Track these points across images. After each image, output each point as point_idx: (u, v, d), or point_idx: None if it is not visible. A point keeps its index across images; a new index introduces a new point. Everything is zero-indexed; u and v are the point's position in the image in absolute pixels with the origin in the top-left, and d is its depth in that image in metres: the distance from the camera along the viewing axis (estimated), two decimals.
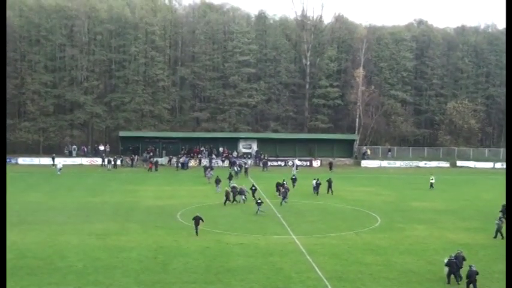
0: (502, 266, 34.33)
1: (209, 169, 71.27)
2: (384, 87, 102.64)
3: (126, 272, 31.97)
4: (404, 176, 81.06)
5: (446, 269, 31.56)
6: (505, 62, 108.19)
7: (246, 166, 77.72)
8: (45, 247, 36.67)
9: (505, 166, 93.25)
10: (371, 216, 49.66)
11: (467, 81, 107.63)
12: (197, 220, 41.29)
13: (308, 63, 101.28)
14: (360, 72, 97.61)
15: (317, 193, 60.43)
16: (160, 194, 58.99)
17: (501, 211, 46.69)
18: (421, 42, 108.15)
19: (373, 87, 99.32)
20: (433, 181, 67.23)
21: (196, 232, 40.75)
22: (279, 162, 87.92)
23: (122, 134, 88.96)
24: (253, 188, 56.82)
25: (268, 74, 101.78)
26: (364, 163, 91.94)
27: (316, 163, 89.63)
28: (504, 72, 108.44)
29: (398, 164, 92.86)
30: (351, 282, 31.08)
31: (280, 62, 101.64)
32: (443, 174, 79.22)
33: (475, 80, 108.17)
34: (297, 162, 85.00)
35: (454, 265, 31.14)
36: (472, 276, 29.62)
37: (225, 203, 53.27)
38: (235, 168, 75.51)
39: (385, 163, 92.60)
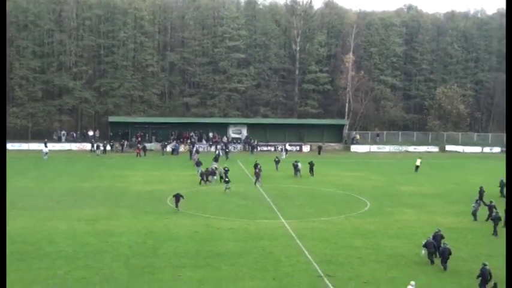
0: (489, 250, 34.74)
1: (195, 152, 72.48)
2: (374, 72, 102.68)
3: (116, 256, 32.02)
4: (394, 160, 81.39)
5: (424, 250, 32.14)
6: (494, 47, 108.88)
7: (226, 150, 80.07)
8: (34, 232, 36.63)
9: (493, 150, 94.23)
10: (360, 200, 49.89)
11: (457, 67, 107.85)
12: (177, 197, 43.73)
13: (298, 48, 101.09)
14: (350, 57, 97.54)
15: (299, 175, 61.68)
16: (149, 179, 58.94)
17: (479, 192, 47.60)
18: (411, 27, 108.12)
19: (362, 72, 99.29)
20: (418, 164, 67.54)
21: (177, 206, 43.32)
22: (269, 147, 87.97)
23: (111, 119, 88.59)
24: (226, 169, 57.93)
25: (258, 59, 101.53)
26: (354, 148, 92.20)
27: (306, 148, 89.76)
28: (493, 57, 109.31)
29: (387, 148, 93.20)
30: (340, 265, 31.29)
31: (270, 48, 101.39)
32: (432, 159, 79.60)
33: (464, 65, 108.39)
34: (287, 147, 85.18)
35: (432, 245, 31.81)
36: (445, 253, 30.61)
37: (200, 182, 55.68)
38: (218, 152, 76.19)
39: (374, 148, 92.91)
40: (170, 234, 37.13)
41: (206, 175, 56.95)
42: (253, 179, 57.86)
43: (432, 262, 31.65)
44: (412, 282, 25.13)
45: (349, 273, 29.96)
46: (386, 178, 63.38)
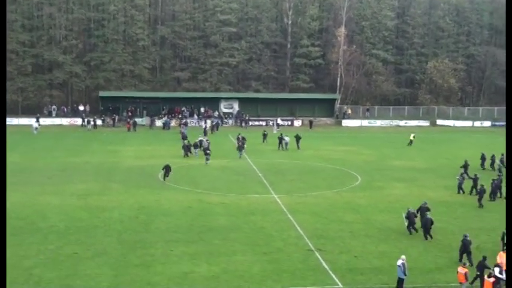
0: (479, 223, 35.11)
1: (182, 125, 74.13)
2: (365, 46, 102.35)
3: (108, 231, 32.13)
4: (385, 135, 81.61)
5: (406, 222, 32.96)
6: (485, 21, 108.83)
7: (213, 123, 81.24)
8: (26, 207, 36.68)
9: (484, 124, 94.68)
10: (351, 175, 50.12)
11: (448, 40, 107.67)
12: (167, 169, 45.69)
13: (289, 22, 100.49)
14: (342, 31, 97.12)
15: (286, 148, 62.79)
16: (141, 154, 58.92)
17: (463, 167, 48.51)
18: (403, 0, 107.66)
19: (354, 46, 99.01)
20: (412, 138, 68.06)
21: (164, 179, 45.28)
22: (261, 122, 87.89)
23: (102, 94, 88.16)
24: (208, 141, 59.51)
25: (250, 33, 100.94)
26: (345, 122, 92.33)
27: (297, 122, 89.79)
28: (484, 31, 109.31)
29: (378, 123, 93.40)
30: (331, 239, 31.54)
31: (262, 21, 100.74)
32: (423, 133, 79.85)
33: (455, 39, 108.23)
34: (279, 121, 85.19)
35: (413, 216, 32.74)
36: (427, 224, 31.58)
37: (184, 155, 56.96)
38: (204, 126, 77.24)
39: (365, 122, 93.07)
40: (162, 209, 37.26)
41: (188, 147, 57.96)
42: (238, 153, 58.34)
43: (411, 232, 32.63)
44: (403, 257, 25.37)
45: (339, 248, 30.23)
46: (377, 152, 63.61)
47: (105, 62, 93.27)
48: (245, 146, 59.61)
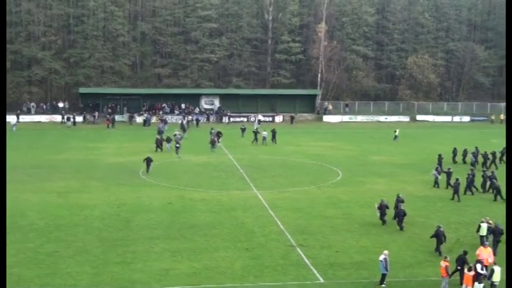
0: (458, 217, 35.46)
1: (160, 121, 74.91)
2: (346, 42, 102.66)
3: (88, 229, 31.95)
4: (365, 130, 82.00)
5: (378, 212, 33.88)
6: (464, 16, 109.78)
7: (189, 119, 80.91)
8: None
9: (463, 119, 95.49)
10: (332, 170, 50.31)
11: (427, 36, 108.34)
12: (148, 161, 47.21)
13: (270, 18, 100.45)
14: (322, 27, 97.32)
15: (264, 143, 64.02)
16: (121, 151, 58.63)
17: (438, 160, 49.54)
18: None
19: (335, 42, 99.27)
20: (397, 134, 68.73)
21: (147, 171, 46.71)
22: (242, 118, 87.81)
23: (81, 90, 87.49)
24: (179, 135, 60.36)
25: (230, 29, 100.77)
26: (326, 118, 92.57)
27: (278, 118, 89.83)
28: (464, 27, 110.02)
29: (359, 118, 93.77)
30: (313, 235, 31.65)
31: (242, 17, 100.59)
32: (403, 128, 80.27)
33: (435, 34, 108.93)
34: (260, 117, 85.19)
35: (384, 208, 33.64)
36: (399, 216, 32.63)
37: (156, 150, 57.66)
38: (181, 121, 77.31)
39: (346, 118, 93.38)
40: (143, 206, 37.12)
41: (161, 142, 58.66)
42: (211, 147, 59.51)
43: (384, 222, 33.50)
44: (386, 252, 25.50)
45: (321, 243, 30.34)
46: (358, 148, 63.91)
47: (85, 58, 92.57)
48: (220, 140, 60.73)
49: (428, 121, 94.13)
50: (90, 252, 28.29)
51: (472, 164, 50.42)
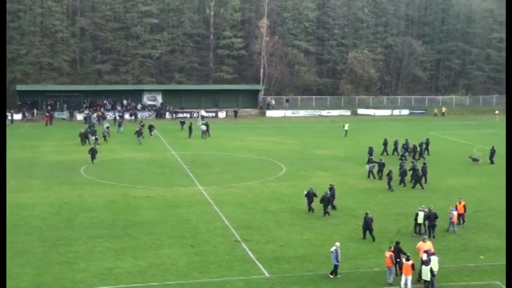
0: (399, 209, 36.27)
1: (95, 116, 77.63)
2: (288, 37, 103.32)
3: (28, 229, 31.28)
4: (308, 124, 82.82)
5: (306, 200, 35.33)
6: (402, 12, 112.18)
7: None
8: None
9: (402, 113, 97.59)
10: (276, 165, 50.65)
11: (367, 31, 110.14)
12: (93, 152, 49.52)
13: (212, 13, 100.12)
14: (264, 22, 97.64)
15: (191, 137, 65.62)
16: (62, 149, 57.46)
17: (369, 152, 51.50)
18: None
19: (276, 37, 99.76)
20: (347, 128, 69.49)
21: (92, 161, 48.96)
22: (185, 114, 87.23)
23: (19, 87, 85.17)
24: (107, 127, 64.04)
25: (172, 24, 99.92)
26: (269, 113, 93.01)
27: (221, 114, 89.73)
28: (402, 22, 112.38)
29: (301, 113, 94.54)
30: (257, 229, 31.84)
31: (184, 12, 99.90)
32: (345, 122, 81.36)
33: (374, 30, 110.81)
34: (203, 113, 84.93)
35: (312, 195, 35.15)
36: (324, 201, 34.58)
37: (81, 143, 59.15)
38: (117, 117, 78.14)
39: (289, 113, 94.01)
40: (85, 204, 36.56)
41: (85, 135, 59.81)
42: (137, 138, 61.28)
43: (310, 210, 34.95)
44: (337, 243, 25.86)
45: (265, 237, 30.56)
46: (301, 142, 64.50)
47: (22, 54, 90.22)
48: (152, 133, 64.61)
49: (369, 115, 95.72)
50: (31, 253, 27.71)
51: (403, 155, 52.27)
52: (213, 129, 67.15)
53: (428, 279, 23.77)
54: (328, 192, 35.43)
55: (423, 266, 24.01)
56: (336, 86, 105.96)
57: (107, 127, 64.11)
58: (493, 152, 52.62)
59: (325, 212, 34.50)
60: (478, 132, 74.48)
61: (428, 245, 26.19)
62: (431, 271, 23.81)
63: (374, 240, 29.71)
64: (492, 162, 52.05)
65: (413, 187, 42.01)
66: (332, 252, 25.51)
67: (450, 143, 65.80)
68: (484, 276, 25.84)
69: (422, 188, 41.91)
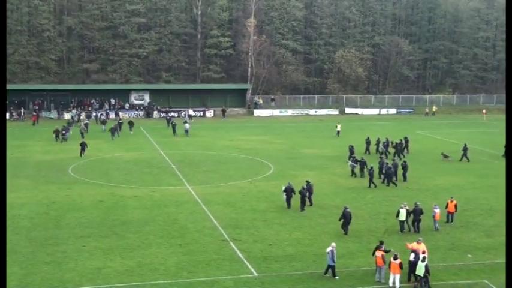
0: (387, 208, 36.38)
1: (76, 114, 79.44)
2: (275, 36, 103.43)
3: (16, 229, 31.14)
4: (296, 124, 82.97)
5: (284, 195, 36.07)
6: (389, 11, 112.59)
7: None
8: None
9: (389, 112, 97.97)
10: (264, 164, 50.72)
11: (354, 30, 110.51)
12: (83, 145, 51.61)
13: (199, 12, 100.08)
14: (252, 21, 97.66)
15: (176, 134, 66.73)
16: (50, 149, 57.21)
17: (350, 150, 51.98)
18: None
19: (264, 36, 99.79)
20: (339, 129, 69.46)
21: (81, 155, 51.19)
22: (173, 113, 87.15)
23: (6, 87, 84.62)
24: (86, 124, 66.35)
25: (159, 23, 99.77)
26: (257, 112, 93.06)
27: (209, 113, 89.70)
28: (389, 21, 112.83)
29: (289, 112, 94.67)
30: (246, 229, 31.88)
31: (171, 11, 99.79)
32: (332, 122, 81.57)
33: (361, 29, 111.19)
34: (191, 112, 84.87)
35: (290, 190, 35.89)
36: (302, 193, 35.60)
37: (56, 140, 60.99)
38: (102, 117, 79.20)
39: (277, 112, 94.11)
40: (73, 204, 36.45)
41: (60, 132, 61.24)
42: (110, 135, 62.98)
43: (289, 205, 35.84)
44: (333, 244, 25.76)
45: (254, 236, 30.61)
46: (289, 141, 64.61)
47: (9, 54, 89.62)
48: (132, 130, 66.25)
49: (356, 114, 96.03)
50: (19, 253, 27.60)
51: (382, 153, 52.91)
52: (201, 128, 67.26)
53: (422, 274, 23.88)
54: (305, 187, 36.11)
55: (419, 262, 24.21)
56: (324, 85, 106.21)
57: (85, 124, 65.88)
58: (465, 150, 53.22)
59: (302, 208, 35.35)
60: (465, 131, 74.93)
61: (422, 247, 26.08)
62: (427, 268, 23.94)
63: (346, 234, 30.67)
64: (466, 159, 52.87)
65: (388, 185, 42.50)
66: (328, 253, 25.49)
67: (438, 142, 66.19)
68: (472, 275, 26.05)
69: (396, 186, 42.29)
